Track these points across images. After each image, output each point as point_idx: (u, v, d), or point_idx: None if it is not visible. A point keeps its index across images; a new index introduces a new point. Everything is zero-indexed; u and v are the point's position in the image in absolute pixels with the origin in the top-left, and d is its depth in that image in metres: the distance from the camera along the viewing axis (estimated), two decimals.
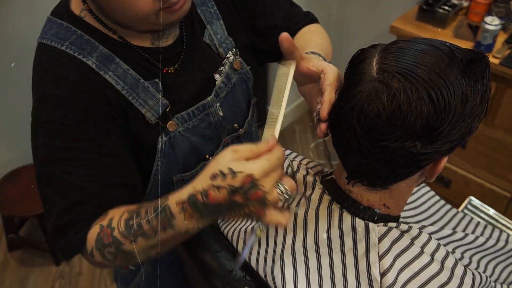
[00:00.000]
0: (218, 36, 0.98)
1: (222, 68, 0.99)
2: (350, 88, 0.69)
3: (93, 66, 0.82)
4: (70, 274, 2.24)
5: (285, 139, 2.94)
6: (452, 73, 0.65)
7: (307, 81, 0.81)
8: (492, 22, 1.78)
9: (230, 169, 0.61)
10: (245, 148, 0.63)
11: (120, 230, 0.74)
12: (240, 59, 1.02)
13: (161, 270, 1.16)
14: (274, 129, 0.70)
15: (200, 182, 0.64)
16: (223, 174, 0.61)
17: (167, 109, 0.90)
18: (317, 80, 0.78)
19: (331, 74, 0.76)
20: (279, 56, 1.09)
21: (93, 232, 0.78)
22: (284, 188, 0.64)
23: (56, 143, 0.80)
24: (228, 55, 1.00)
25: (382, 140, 0.66)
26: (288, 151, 0.95)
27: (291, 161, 0.77)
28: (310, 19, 1.10)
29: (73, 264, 2.28)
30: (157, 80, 0.88)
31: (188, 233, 0.71)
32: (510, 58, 1.78)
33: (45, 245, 2.22)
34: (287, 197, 0.64)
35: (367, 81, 0.67)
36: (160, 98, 0.88)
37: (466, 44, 1.89)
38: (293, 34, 1.04)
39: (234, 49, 1.01)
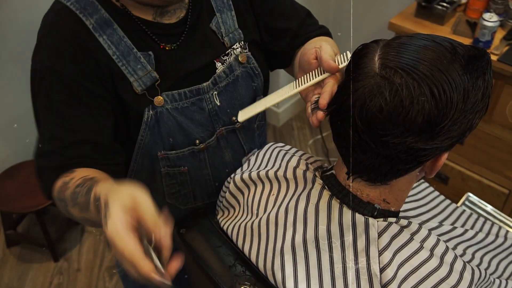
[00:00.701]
0: (227, 26, 0.99)
1: (225, 58, 0.99)
2: (351, 83, 0.69)
3: (90, 26, 0.85)
4: (68, 270, 2.25)
5: (283, 135, 2.95)
6: (454, 69, 0.66)
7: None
8: (491, 19, 1.79)
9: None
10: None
11: (70, 192, 0.82)
12: (248, 53, 1.02)
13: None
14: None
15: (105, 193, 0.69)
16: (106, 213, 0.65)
17: (156, 83, 0.91)
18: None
19: (326, 46, 0.79)
20: (287, 62, 1.10)
21: (57, 184, 0.86)
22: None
23: (41, 89, 0.87)
24: (235, 47, 1.00)
25: (383, 135, 0.66)
26: (287, 147, 0.95)
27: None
28: (324, 31, 1.10)
29: (72, 261, 2.28)
30: (150, 52, 0.90)
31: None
32: (508, 54, 1.79)
33: (43, 241, 2.22)
34: None
35: (369, 76, 0.67)
36: (150, 70, 0.89)
37: (464, 41, 1.89)
38: (304, 42, 1.04)
39: (242, 42, 1.01)
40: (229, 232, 0.93)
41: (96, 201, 0.73)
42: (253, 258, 0.86)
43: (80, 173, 0.85)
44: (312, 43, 0.91)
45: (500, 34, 1.87)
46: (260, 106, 0.86)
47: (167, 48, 0.92)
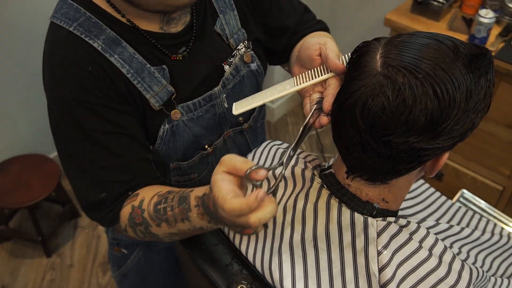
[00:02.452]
0: (230, 27, 0.97)
1: (232, 59, 0.97)
2: (352, 81, 0.68)
3: (99, 48, 0.82)
4: (61, 266, 2.23)
5: (278, 131, 2.94)
6: (457, 68, 0.65)
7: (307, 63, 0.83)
8: (486, 15, 1.78)
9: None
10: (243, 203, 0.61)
11: (149, 212, 0.79)
12: (252, 52, 1.01)
13: (152, 256, 1.18)
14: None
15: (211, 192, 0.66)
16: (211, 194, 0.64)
17: (173, 97, 0.89)
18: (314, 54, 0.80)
19: (331, 44, 0.78)
20: (285, 59, 1.09)
21: (126, 211, 0.84)
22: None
23: (71, 123, 0.83)
24: (239, 47, 0.99)
25: (385, 135, 0.65)
26: (285, 144, 0.95)
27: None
28: (322, 26, 1.09)
29: (65, 256, 2.27)
30: (164, 66, 0.87)
31: (203, 230, 0.75)
32: (504, 51, 1.79)
33: (35, 237, 2.20)
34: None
35: (371, 75, 0.66)
36: (165, 84, 0.87)
37: (460, 37, 1.89)
38: (301, 37, 1.03)
39: (246, 42, 1.00)
40: (226, 230, 0.92)
41: (200, 202, 0.70)
42: (250, 257, 0.85)
43: (147, 193, 0.83)
44: (314, 37, 0.88)
45: (495, 31, 1.87)
46: (257, 100, 0.83)
47: (178, 58, 0.90)
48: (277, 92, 0.81)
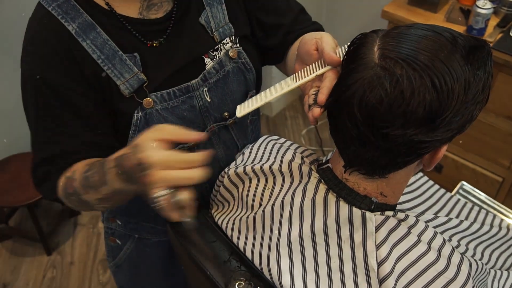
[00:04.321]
0: (217, 20, 0.96)
1: (215, 53, 0.96)
2: (349, 73, 0.68)
3: (73, 32, 0.83)
4: (62, 263, 2.23)
5: (276, 125, 2.93)
6: (455, 60, 0.64)
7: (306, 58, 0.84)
8: (484, 6, 1.77)
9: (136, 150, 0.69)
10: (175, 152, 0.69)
11: (79, 181, 0.82)
12: (239, 48, 0.99)
13: (144, 249, 1.18)
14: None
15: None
16: (134, 151, 0.69)
17: (144, 85, 0.89)
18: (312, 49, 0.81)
19: (327, 37, 0.78)
20: (279, 58, 1.08)
21: (61, 182, 0.87)
22: (169, 194, 0.68)
23: (34, 97, 0.87)
24: (225, 41, 0.98)
25: (383, 127, 0.64)
26: (282, 139, 0.94)
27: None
28: (317, 27, 1.08)
29: (65, 254, 2.27)
30: (135, 54, 0.88)
31: (123, 194, 0.78)
32: (502, 42, 1.78)
33: (36, 235, 2.20)
34: (160, 201, 0.68)
35: (368, 67, 0.65)
36: (136, 72, 0.88)
37: (458, 28, 1.88)
38: (297, 37, 1.02)
39: (233, 37, 0.99)
40: (223, 226, 0.91)
41: (117, 162, 0.74)
42: (248, 253, 0.85)
43: (81, 164, 0.86)
44: (312, 34, 0.88)
45: (493, 21, 1.86)
46: (259, 100, 0.84)
47: (154, 45, 0.90)
48: (277, 91, 0.82)
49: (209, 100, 0.96)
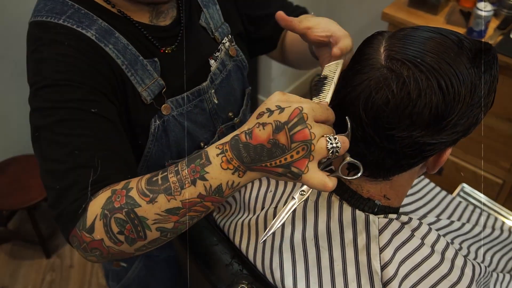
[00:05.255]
0: (214, 21, 0.97)
1: (217, 53, 0.97)
2: (355, 74, 0.67)
3: (93, 38, 0.78)
4: (61, 267, 2.22)
5: None
6: (462, 63, 0.64)
7: (320, 46, 0.84)
8: (484, 8, 1.77)
9: (278, 106, 0.59)
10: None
11: (140, 188, 0.64)
12: (236, 46, 1.01)
13: (153, 266, 1.15)
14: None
15: (247, 124, 0.61)
16: (270, 111, 0.59)
17: (163, 91, 0.87)
18: (328, 44, 0.81)
19: (341, 37, 0.79)
20: (271, 46, 1.09)
21: (102, 197, 0.67)
22: (335, 140, 0.60)
23: (51, 104, 0.73)
24: (224, 41, 0.99)
25: (388, 129, 0.64)
26: None
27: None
28: (303, 11, 1.10)
29: (64, 257, 2.26)
30: (156, 59, 0.86)
31: (219, 194, 0.63)
32: (502, 44, 1.78)
33: (35, 238, 2.19)
34: (336, 149, 0.59)
35: (374, 68, 0.65)
36: (157, 78, 0.86)
37: (458, 31, 1.87)
38: None
39: (230, 36, 1.00)
40: (225, 229, 0.91)
41: (222, 148, 0.61)
42: (250, 256, 0.84)
43: (135, 178, 0.68)
44: (317, 21, 0.85)
45: (494, 24, 1.86)
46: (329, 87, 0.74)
47: (167, 51, 0.89)
48: (332, 76, 0.75)
49: (216, 102, 0.96)
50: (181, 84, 0.90)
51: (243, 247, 0.86)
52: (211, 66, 0.96)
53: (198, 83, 0.93)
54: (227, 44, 0.99)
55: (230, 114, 1.00)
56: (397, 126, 0.64)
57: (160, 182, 0.64)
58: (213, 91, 0.96)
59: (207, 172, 0.62)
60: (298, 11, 1.09)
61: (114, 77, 0.80)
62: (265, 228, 0.82)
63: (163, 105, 0.87)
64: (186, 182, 0.62)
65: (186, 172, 0.63)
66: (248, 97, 1.09)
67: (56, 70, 0.75)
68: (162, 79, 0.87)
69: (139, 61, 0.83)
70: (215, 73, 0.96)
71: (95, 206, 0.67)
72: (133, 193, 0.64)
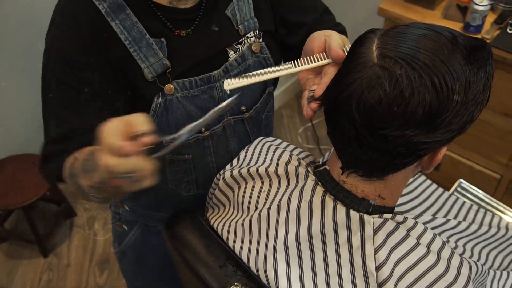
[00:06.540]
0: (242, 13, 0.97)
1: (239, 46, 0.97)
2: (347, 73, 0.66)
3: (103, 11, 0.84)
4: (58, 266, 2.22)
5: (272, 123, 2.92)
6: (456, 60, 0.63)
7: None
8: (481, 3, 1.76)
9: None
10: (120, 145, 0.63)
11: (81, 162, 0.77)
12: (262, 43, 1.00)
13: (149, 236, 1.18)
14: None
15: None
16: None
17: (168, 71, 0.89)
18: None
19: (336, 35, 0.78)
20: (298, 56, 1.06)
21: (69, 162, 0.81)
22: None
23: (51, 72, 0.85)
24: (249, 35, 0.98)
25: (381, 128, 0.63)
26: (278, 141, 0.93)
27: None
28: (340, 29, 1.07)
29: (61, 256, 2.25)
30: (163, 39, 0.88)
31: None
32: (499, 39, 1.77)
33: (32, 237, 2.19)
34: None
35: (367, 67, 0.64)
36: (161, 57, 0.88)
37: (455, 25, 1.87)
38: None
39: (257, 31, 0.99)
40: (219, 230, 0.90)
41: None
42: (244, 257, 0.83)
43: (91, 147, 0.80)
44: (322, 31, 0.87)
45: (491, 18, 1.85)
46: (251, 78, 0.81)
47: (181, 34, 0.90)
48: (271, 72, 0.80)
49: (228, 93, 0.96)
50: (189, 68, 0.91)
51: (237, 248, 0.85)
52: (229, 56, 0.96)
53: (210, 70, 0.94)
54: (252, 39, 0.98)
55: (243, 108, 1.00)
56: (390, 125, 0.63)
57: (87, 163, 0.74)
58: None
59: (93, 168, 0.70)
60: (336, 28, 1.03)
61: (111, 54, 0.86)
62: (259, 229, 0.82)
63: (167, 85, 0.90)
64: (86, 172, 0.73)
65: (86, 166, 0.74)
66: (268, 96, 1.07)
67: (60, 36, 0.85)
68: (168, 60, 0.89)
69: (144, 39, 0.86)
70: (232, 64, 0.96)
71: (66, 167, 0.81)
72: (77, 166, 0.77)
